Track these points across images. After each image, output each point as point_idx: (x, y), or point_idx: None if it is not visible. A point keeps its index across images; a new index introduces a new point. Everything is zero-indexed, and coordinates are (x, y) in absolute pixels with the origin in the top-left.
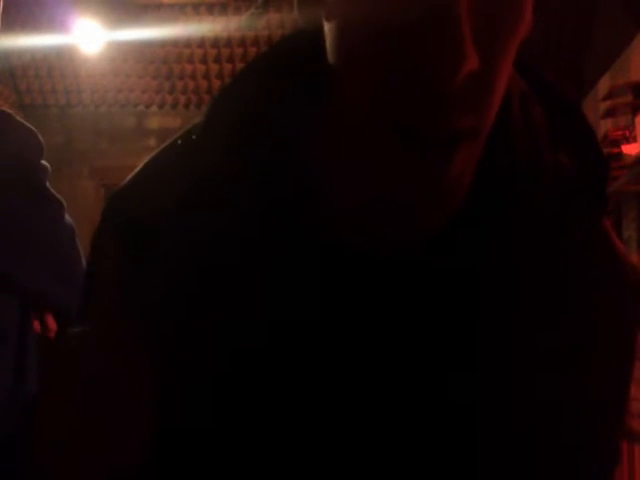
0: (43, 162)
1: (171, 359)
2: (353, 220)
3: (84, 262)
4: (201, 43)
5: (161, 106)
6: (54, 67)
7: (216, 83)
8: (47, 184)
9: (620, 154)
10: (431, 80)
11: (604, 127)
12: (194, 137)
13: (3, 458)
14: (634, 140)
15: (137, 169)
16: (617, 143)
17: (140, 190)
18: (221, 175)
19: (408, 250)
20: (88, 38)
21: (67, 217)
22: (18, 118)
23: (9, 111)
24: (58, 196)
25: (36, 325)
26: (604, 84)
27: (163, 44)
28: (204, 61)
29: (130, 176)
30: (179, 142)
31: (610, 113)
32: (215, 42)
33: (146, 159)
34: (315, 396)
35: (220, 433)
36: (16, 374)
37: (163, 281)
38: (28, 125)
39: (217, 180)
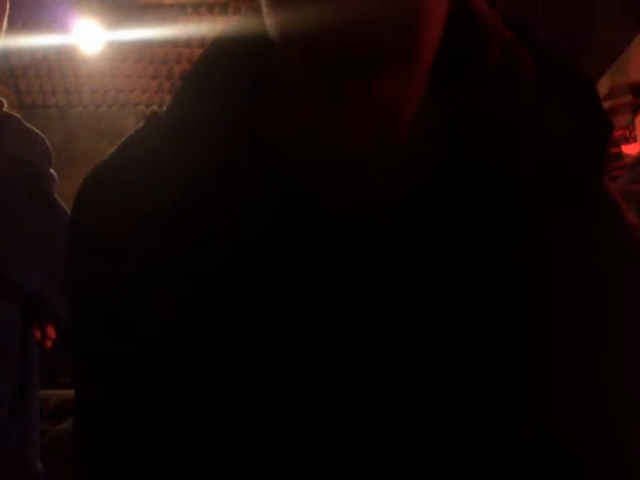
0: (51, 171)
1: (168, 361)
2: (323, 185)
3: None
4: (201, 43)
5: (161, 106)
6: (54, 67)
7: None
8: (54, 193)
9: (620, 154)
10: None
11: None
12: (159, 126)
13: (5, 457)
14: (634, 140)
15: (106, 159)
16: (617, 143)
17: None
18: (194, 162)
19: (384, 212)
20: (88, 38)
21: None
22: (28, 125)
23: (19, 117)
24: (64, 207)
25: (36, 333)
26: (604, 84)
27: (163, 44)
28: None
29: (97, 169)
30: (142, 134)
31: (610, 113)
32: None
33: (113, 150)
34: (315, 384)
35: (220, 432)
36: (19, 377)
37: (141, 289)
38: (37, 132)
39: (190, 169)
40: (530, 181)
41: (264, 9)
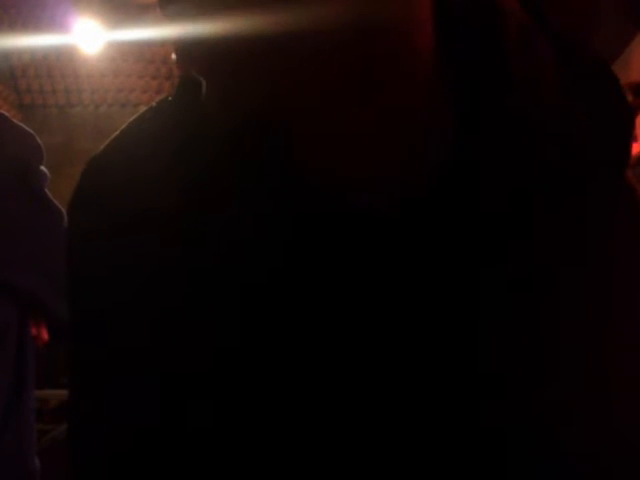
0: (42, 168)
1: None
2: (341, 174)
3: None
4: None
5: None
6: (54, 67)
7: None
8: (46, 190)
9: None
10: None
11: None
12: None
13: (2, 454)
14: (634, 140)
15: (106, 147)
16: None
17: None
18: (199, 147)
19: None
20: (88, 38)
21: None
22: (16, 121)
23: (6, 113)
24: (57, 204)
25: (33, 331)
26: None
27: (163, 44)
28: None
29: (100, 153)
30: (141, 124)
31: None
32: None
33: (117, 133)
34: (310, 384)
35: (218, 433)
36: (16, 375)
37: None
38: (26, 128)
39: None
40: (547, 170)
41: None
